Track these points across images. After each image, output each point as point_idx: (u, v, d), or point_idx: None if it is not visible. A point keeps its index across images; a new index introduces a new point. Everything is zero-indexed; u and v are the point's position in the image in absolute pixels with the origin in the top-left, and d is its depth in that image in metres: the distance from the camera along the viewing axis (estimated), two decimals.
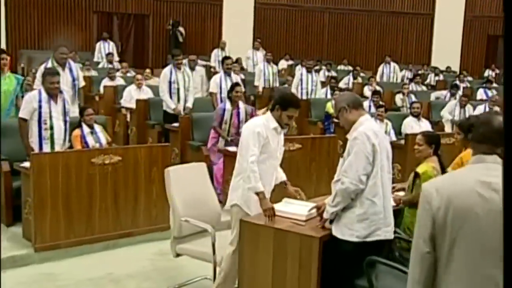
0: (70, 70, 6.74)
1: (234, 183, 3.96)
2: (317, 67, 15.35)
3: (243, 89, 7.16)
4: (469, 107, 9.97)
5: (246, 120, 6.66)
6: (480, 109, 10.16)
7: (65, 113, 5.65)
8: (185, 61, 8.96)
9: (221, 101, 8.07)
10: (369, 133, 3.28)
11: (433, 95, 12.08)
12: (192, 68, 9.13)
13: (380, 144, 3.29)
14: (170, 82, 7.95)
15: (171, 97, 7.95)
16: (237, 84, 7.09)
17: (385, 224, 3.33)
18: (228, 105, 6.77)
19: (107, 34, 14.60)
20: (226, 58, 8.62)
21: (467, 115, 9.76)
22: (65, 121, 5.65)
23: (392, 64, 14.68)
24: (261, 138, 3.79)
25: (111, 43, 14.42)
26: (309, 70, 10.44)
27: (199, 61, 14.33)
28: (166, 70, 8.09)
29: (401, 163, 7.05)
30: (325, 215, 3.43)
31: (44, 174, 4.87)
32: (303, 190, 4.03)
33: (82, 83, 7.06)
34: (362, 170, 3.22)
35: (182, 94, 8.01)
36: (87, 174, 5.09)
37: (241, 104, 6.85)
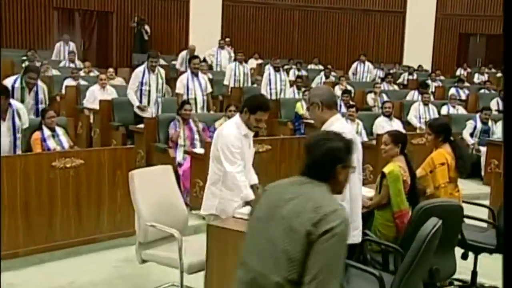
0: (36, 93, 6.59)
1: (210, 191, 3.96)
2: (286, 66, 15.44)
3: (192, 108, 7.35)
4: (432, 107, 10.13)
5: (200, 136, 6.84)
6: (444, 109, 10.36)
7: (14, 130, 5.47)
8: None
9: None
10: None
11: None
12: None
13: None
14: (141, 83, 7.91)
15: (141, 98, 7.91)
16: (187, 102, 7.26)
17: (352, 227, 3.35)
18: (178, 122, 6.98)
19: (68, 36, 14.35)
20: (193, 57, 8.61)
21: (431, 113, 9.93)
22: (14, 138, 5.48)
23: (367, 63, 14.86)
24: (238, 150, 3.83)
25: (72, 44, 14.19)
26: (276, 69, 10.49)
27: (161, 61, 14.29)
28: (138, 71, 8.03)
29: (373, 164, 7.13)
30: None
31: (0, 179, 4.78)
32: None
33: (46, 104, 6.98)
34: None
35: (153, 96, 7.95)
36: (48, 178, 5.02)
37: (191, 122, 7.04)
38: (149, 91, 7.92)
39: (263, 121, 3.97)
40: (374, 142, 7.53)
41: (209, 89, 8.45)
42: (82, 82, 10.15)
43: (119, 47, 16.22)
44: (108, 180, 5.37)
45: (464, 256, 4.52)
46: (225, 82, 11.14)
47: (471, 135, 9.08)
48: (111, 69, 11.14)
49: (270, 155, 6.37)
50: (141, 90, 7.89)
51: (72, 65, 12.47)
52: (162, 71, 8.33)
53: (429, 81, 13.42)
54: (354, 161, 3.32)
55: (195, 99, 7.93)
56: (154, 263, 4.16)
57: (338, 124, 3.40)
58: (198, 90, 8.13)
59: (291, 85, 11.11)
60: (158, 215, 4.08)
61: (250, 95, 4.38)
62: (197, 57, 8.78)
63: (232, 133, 3.88)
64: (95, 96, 8.94)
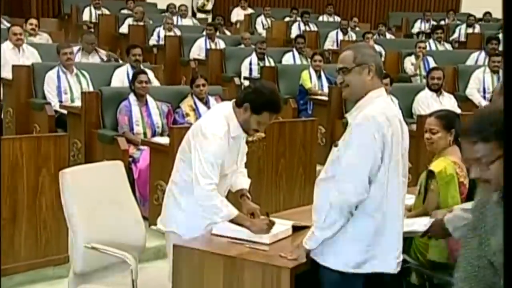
0: None
1: (174, 198, 3.99)
2: (288, 18, 15.47)
3: (148, 78, 7.39)
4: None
5: (162, 122, 6.97)
6: None
7: None
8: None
9: None
10: (381, 118, 3.32)
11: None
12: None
13: (394, 135, 3.36)
14: (59, 89, 8.14)
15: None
16: (141, 71, 7.31)
17: (384, 250, 3.38)
18: (133, 100, 7.04)
19: None
20: None
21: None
22: None
23: None
24: (220, 158, 3.86)
25: None
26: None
27: (105, 10, 14.22)
28: (51, 73, 8.22)
29: (412, 160, 7.12)
30: (309, 244, 3.41)
31: None
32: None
33: None
34: (367, 173, 3.29)
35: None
36: None
37: (150, 99, 7.12)
38: (72, 100, 8.10)
39: (266, 125, 4.02)
40: (414, 127, 7.56)
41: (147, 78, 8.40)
42: None
43: None
44: (28, 183, 5.36)
45: None
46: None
47: None
48: (33, 20, 11.06)
49: (264, 146, 6.40)
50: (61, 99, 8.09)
51: None
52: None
53: (500, 36, 13.40)
54: (395, 155, 3.36)
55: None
56: None
57: (378, 103, 3.41)
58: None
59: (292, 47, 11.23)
60: (102, 233, 4.11)
61: (256, 84, 4.15)
62: None
63: (220, 133, 3.87)
64: (6, 60, 8.91)
